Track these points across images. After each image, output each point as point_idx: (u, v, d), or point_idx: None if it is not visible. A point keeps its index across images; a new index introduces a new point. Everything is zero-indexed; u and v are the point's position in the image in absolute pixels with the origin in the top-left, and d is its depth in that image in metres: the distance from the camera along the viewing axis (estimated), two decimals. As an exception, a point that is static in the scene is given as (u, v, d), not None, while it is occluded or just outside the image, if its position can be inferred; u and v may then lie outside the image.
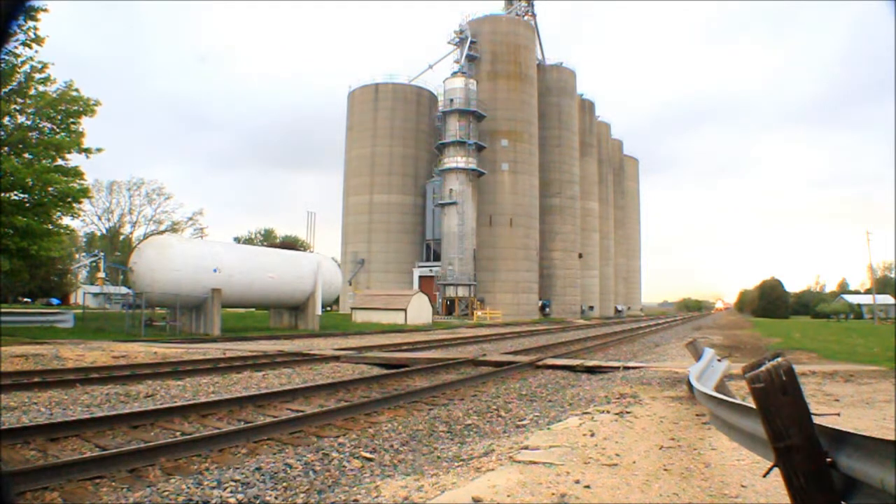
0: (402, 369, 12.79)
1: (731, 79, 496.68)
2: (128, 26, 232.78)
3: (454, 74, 63.60)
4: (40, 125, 21.41)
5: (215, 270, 26.05)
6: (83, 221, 62.91)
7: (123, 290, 46.33)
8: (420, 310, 41.37)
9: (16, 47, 19.32)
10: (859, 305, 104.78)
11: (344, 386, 10.41)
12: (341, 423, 7.41)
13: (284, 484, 4.93)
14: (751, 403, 2.96)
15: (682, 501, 4.18)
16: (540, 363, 14.03)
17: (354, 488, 4.80)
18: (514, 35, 67.76)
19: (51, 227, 21.97)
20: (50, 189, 20.88)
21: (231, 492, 4.67)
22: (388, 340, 22.77)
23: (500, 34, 67.10)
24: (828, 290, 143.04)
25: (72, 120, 21.45)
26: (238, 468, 5.32)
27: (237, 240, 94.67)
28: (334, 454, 5.90)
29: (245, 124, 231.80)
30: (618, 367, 13.10)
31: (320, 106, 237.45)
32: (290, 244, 71.51)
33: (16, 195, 20.72)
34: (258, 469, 5.27)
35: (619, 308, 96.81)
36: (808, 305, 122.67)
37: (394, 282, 62.85)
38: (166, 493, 4.62)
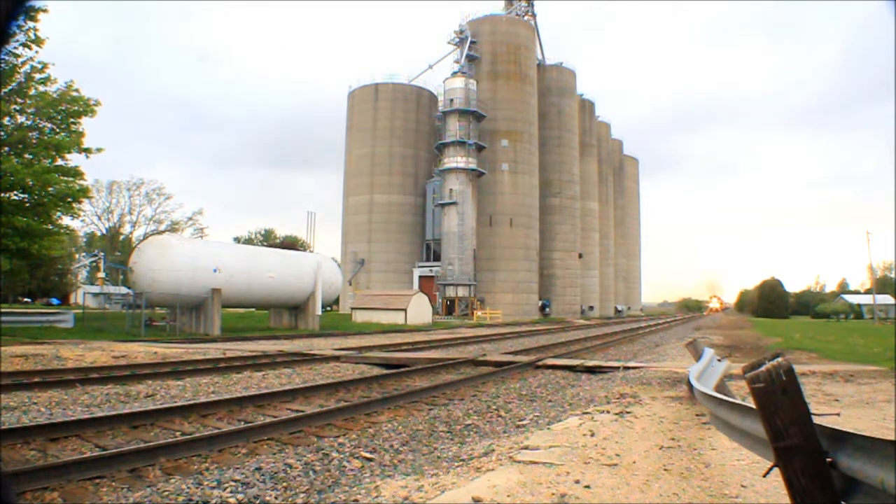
0: (402, 369, 12.79)
1: (731, 79, 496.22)
2: (128, 26, 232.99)
3: (454, 74, 63.61)
4: (40, 125, 21.43)
5: (215, 270, 26.06)
6: (83, 221, 62.87)
7: (123, 290, 46.31)
8: (420, 310, 41.37)
9: (16, 48, 19.34)
10: (859, 305, 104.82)
11: (344, 386, 10.41)
12: (341, 423, 7.41)
13: (284, 484, 4.93)
14: (751, 403, 2.95)
15: (682, 501, 4.18)
16: (540, 363, 14.03)
17: (354, 488, 4.80)
18: (514, 35, 67.78)
19: (51, 227, 22.00)
20: (50, 189, 20.92)
21: (231, 492, 4.67)
22: (388, 340, 22.76)
23: (500, 34, 67.12)
24: (828, 290, 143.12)
25: (72, 120, 21.47)
26: (238, 468, 5.32)
27: (237, 240, 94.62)
28: (334, 454, 5.90)
29: (245, 124, 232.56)
30: (618, 367, 13.09)
31: (320, 106, 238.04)
32: (290, 244, 71.62)
33: (16, 195, 20.75)
34: (258, 469, 5.27)
35: (619, 308, 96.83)
36: (808, 305, 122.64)
37: (394, 282, 62.87)
38: (166, 493, 4.62)
